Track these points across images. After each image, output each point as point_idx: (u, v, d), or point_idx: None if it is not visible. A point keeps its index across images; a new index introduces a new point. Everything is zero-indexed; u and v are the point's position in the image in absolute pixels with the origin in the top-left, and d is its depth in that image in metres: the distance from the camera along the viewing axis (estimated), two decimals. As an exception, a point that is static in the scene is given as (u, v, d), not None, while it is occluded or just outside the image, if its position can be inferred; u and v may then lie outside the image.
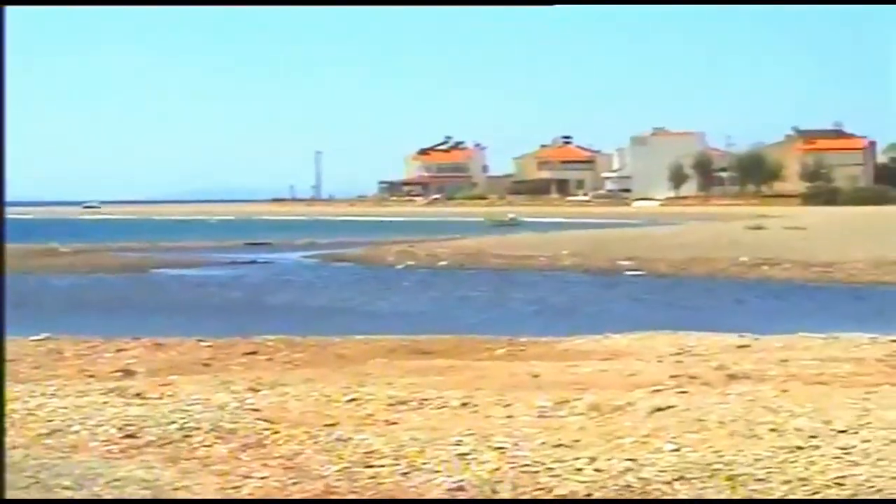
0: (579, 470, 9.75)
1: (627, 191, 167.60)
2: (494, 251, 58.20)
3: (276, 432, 11.25)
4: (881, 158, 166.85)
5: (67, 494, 9.29)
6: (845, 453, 10.05)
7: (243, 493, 9.47)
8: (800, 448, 10.26)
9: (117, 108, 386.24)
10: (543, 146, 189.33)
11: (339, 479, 9.78)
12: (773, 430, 11.07)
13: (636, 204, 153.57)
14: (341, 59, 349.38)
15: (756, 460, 9.85)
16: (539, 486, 9.41)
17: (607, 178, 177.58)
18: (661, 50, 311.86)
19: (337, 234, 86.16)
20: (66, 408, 12.42)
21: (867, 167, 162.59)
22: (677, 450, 10.28)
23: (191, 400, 12.92)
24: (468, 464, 10.01)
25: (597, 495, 9.21)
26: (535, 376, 15.53)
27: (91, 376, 16.68)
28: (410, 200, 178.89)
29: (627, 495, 9.19)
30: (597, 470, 9.73)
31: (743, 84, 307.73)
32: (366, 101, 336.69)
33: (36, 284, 43.25)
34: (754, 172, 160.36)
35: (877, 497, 8.98)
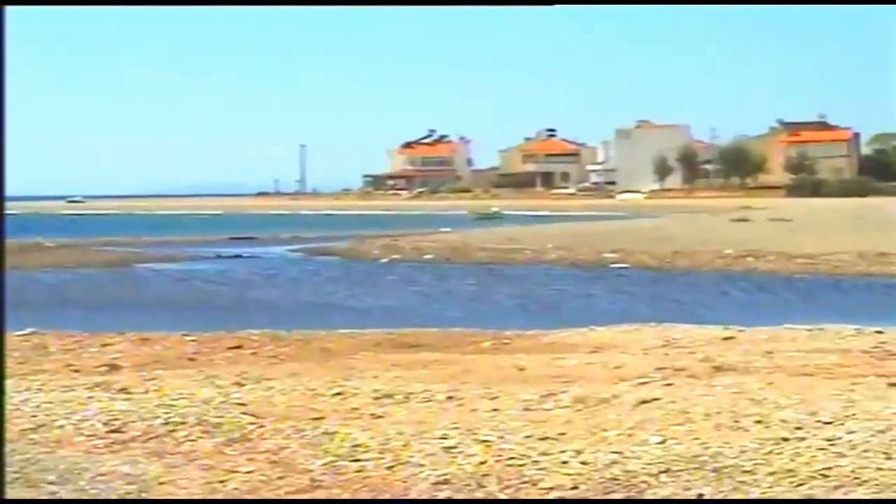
0: (565, 463, 9.76)
1: (612, 183, 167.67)
2: (480, 245, 58.22)
3: (262, 426, 11.25)
4: (865, 150, 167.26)
5: (53, 489, 9.27)
6: (831, 445, 10.08)
7: (229, 488, 9.47)
8: (785, 440, 10.28)
9: (101, 103, 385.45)
10: (528, 139, 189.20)
11: (324, 473, 9.78)
12: (758, 421, 11.10)
13: (621, 197, 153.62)
14: (325, 53, 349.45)
15: (742, 452, 9.87)
16: (525, 479, 9.42)
17: (592, 170, 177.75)
18: (645, 43, 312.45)
19: (321, 229, 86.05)
20: (51, 403, 12.41)
21: (851, 159, 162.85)
22: (663, 442, 10.29)
23: (176, 394, 12.91)
24: (454, 457, 10.02)
25: (583, 488, 9.21)
26: (521, 369, 15.54)
27: (76, 371, 16.66)
28: (395, 194, 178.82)
29: (613, 488, 9.20)
30: (583, 462, 9.74)
31: (727, 77, 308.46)
32: (350, 95, 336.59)
33: (21, 279, 43.13)
34: (739, 165, 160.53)
35: (874, 497, 8.99)
